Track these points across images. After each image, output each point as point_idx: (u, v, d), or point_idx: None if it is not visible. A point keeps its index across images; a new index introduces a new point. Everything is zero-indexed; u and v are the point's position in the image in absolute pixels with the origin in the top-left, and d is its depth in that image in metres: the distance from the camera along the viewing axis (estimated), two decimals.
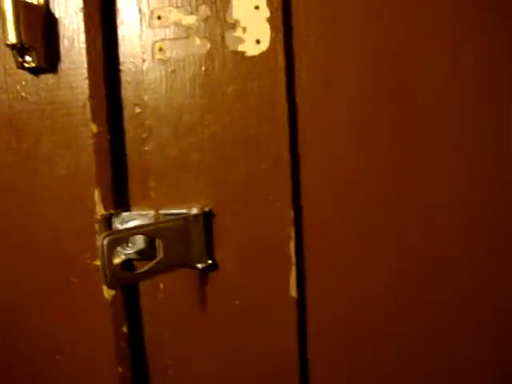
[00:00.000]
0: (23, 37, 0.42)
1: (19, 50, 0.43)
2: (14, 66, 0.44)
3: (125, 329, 0.46)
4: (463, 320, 0.40)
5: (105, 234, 0.36)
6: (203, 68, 0.42)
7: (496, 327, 0.40)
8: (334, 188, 0.42)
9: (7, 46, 0.42)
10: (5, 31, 0.41)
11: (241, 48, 0.41)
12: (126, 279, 0.40)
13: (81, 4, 0.43)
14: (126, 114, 0.45)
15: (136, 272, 0.40)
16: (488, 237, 0.39)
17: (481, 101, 0.38)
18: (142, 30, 0.43)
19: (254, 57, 0.41)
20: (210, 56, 0.42)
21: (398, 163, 0.40)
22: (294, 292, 0.43)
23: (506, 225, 0.38)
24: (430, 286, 0.41)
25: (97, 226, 0.44)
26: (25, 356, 0.50)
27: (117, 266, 0.40)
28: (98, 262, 0.45)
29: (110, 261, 0.37)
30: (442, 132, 0.39)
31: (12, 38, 0.41)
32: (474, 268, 0.39)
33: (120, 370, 0.46)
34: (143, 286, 0.46)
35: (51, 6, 0.43)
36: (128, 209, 0.46)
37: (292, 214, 0.42)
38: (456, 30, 0.38)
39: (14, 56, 0.43)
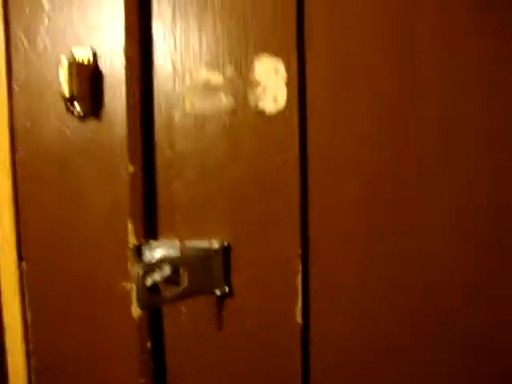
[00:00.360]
0: (74, 91, 0.49)
1: (70, 99, 0.50)
2: (64, 111, 0.51)
3: (149, 344, 0.53)
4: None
5: (139, 264, 0.43)
6: (227, 121, 0.49)
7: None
8: (338, 230, 0.48)
9: (61, 97, 0.49)
10: (60, 86, 0.49)
11: (260, 105, 0.48)
12: (155, 302, 0.46)
13: (123, 61, 0.50)
14: (158, 156, 0.52)
15: (163, 297, 0.46)
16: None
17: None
18: (175, 86, 0.50)
19: (271, 113, 0.48)
20: (233, 111, 0.49)
21: (397, 205, 0.46)
22: (299, 318, 0.49)
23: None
24: (425, 316, 0.47)
25: (129, 253, 0.51)
26: (57, 364, 0.56)
27: (147, 290, 0.47)
28: (128, 285, 0.52)
29: (142, 287, 0.44)
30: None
31: (66, 92, 0.49)
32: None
33: (143, 381, 0.53)
34: (167, 307, 0.53)
35: (98, 63, 0.51)
36: (156, 238, 0.53)
37: (300, 250, 0.48)
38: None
39: (65, 104, 0.51)
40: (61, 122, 0.52)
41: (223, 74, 0.49)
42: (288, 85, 0.47)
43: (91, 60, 0.50)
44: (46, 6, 0.52)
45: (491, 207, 0.45)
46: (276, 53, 0.48)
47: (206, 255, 0.48)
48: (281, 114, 0.47)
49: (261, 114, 0.48)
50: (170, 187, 0.51)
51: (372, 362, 0.50)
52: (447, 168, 0.46)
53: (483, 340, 0.46)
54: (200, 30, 0.49)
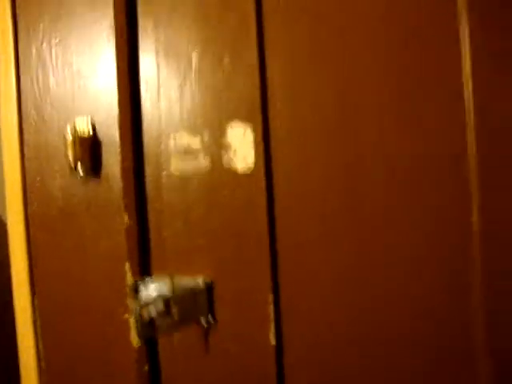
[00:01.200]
0: (77, 156, 0.60)
1: (74, 163, 0.61)
2: (68, 172, 0.62)
3: (146, 368, 0.63)
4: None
5: (138, 301, 0.54)
6: (205, 178, 0.60)
7: None
8: (304, 267, 0.59)
9: (66, 161, 0.60)
10: (65, 152, 0.59)
11: (233, 165, 0.59)
12: (151, 333, 0.57)
13: (117, 131, 0.61)
14: (150, 207, 0.62)
15: (158, 328, 0.57)
16: None
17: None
18: (161, 148, 0.61)
19: (242, 171, 0.59)
20: (210, 170, 0.59)
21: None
22: (273, 341, 0.60)
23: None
24: (395, 335, 0.57)
25: (127, 290, 0.62)
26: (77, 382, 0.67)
27: (145, 324, 0.57)
28: (128, 317, 0.62)
29: (140, 321, 0.54)
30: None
31: (70, 158, 0.60)
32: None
33: None
34: (161, 336, 0.63)
35: (96, 131, 0.62)
36: (150, 275, 0.63)
37: (271, 284, 0.59)
38: None
39: (69, 167, 0.62)
40: (66, 181, 0.62)
41: (201, 137, 0.60)
42: (255, 147, 0.58)
43: (91, 131, 0.61)
44: (52, 81, 0.63)
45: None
46: (244, 119, 0.58)
47: (193, 291, 0.59)
48: (250, 172, 0.58)
49: (233, 172, 0.59)
50: (161, 233, 0.62)
51: (342, 377, 0.60)
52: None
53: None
54: (181, 101, 0.60)
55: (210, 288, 0.59)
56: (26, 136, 0.63)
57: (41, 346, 0.67)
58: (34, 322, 0.68)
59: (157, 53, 0.61)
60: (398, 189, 0.53)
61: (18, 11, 0.66)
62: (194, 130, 0.59)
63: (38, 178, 0.64)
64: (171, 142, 0.60)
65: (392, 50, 0.52)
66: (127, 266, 0.61)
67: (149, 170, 0.61)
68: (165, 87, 0.60)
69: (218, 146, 0.58)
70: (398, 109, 0.53)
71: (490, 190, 0.49)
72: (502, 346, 0.49)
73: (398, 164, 0.53)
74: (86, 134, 0.60)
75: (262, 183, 0.57)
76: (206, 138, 0.59)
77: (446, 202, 0.50)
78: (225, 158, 0.58)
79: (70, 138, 0.59)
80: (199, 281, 0.59)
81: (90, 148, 0.60)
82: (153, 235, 0.62)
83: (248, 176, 0.57)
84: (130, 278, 0.61)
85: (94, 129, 0.61)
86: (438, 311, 0.51)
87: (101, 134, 0.61)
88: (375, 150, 0.54)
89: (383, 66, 0.54)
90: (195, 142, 0.59)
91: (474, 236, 0.49)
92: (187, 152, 0.59)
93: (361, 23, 0.53)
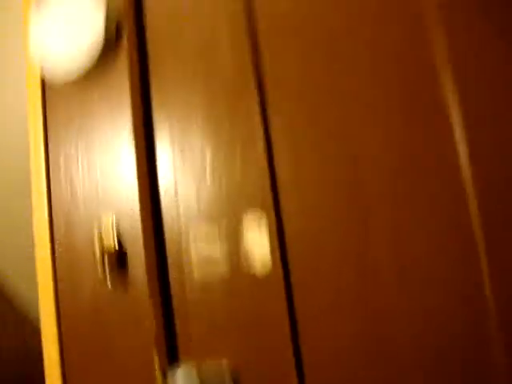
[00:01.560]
0: (106, 268, 0.65)
1: (102, 273, 0.66)
2: (97, 280, 0.66)
3: None
4: None
5: None
6: (227, 283, 0.63)
7: None
8: (328, 358, 0.60)
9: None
10: (94, 265, 0.64)
11: (252, 270, 0.63)
12: None
13: (143, 252, 0.66)
14: (175, 307, 0.66)
15: None
16: None
17: None
18: (182, 255, 0.66)
19: (261, 276, 0.62)
20: (232, 275, 0.63)
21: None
22: None
23: None
24: None
25: (157, 375, 0.64)
26: None
27: None
28: None
29: None
30: None
31: (99, 270, 0.64)
32: None
33: None
34: None
35: (123, 245, 0.66)
36: (177, 361, 0.66)
37: (295, 371, 0.61)
38: None
39: (101, 280, 0.66)
40: (99, 293, 0.67)
41: (218, 227, 0.64)
42: (272, 254, 0.62)
43: (117, 246, 0.65)
44: (79, 191, 0.69)
45: None
46: (258, 207, 0.63)
47: (219, 378, 0.62)
48: (267, 275, 0.62)
49: (253, 276, 0.62)
50: (186, 327, 0.65)
51: None
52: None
53: None
54: (198, 194, 0.65)
55: (234, 373, 0.62)
56: (56, 239, 0.68)
57: None
58: None
59: (173, 151, 0.67)
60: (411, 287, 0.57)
61: (48, 125, 0.73)
62: (211, 221, 0.64)
63: (70, 286, 0.68)
64: (191, 235, 0.64)
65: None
66: (155, 357, 0.64)
67: (173, 273, 0.66)
68: (181, 184, 0.65)
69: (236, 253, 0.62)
70: (411, 198, 0.58)
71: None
72: None
73: (408, 253, 0.57)
74: (112, 249, 0.65)
75: (281, 283, 0.60)
76: (224, 228, 0.63)
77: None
78: (243, 263, 0.62)
79: (98, 253, 0.64)
80: (225, 367, 0.61)
81: (117, 259, 0.65)
82: (179, 328, 0.65)
83: (266, 276, 0.61)
84: (158, 369, 0.63)
85: (119, 243, 0.65)
86: None
87: (125, 247, 0.66)
88: (388, 243, 0.59)
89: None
90: (216, 252, 0.63)
91: None
92: (208, 259, 0.63)
93: (366, 115, 0.59)
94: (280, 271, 0.59)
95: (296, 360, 0.59)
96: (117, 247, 0.65)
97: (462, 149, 0.53)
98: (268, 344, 0.60)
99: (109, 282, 0.63)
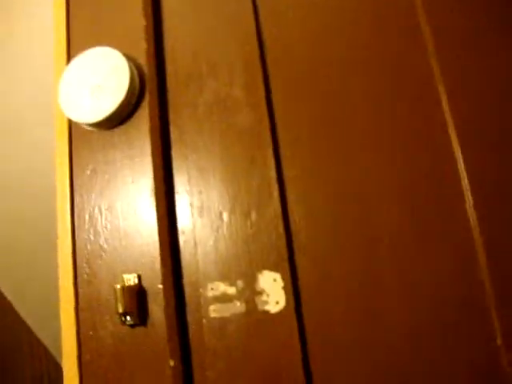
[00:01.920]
0: (126, 307, 0.68)
1: (123, 314, 0.69)
2: (118, 322, 0.70)
3: None
4: None
5: None
6: (243, 322, 0.67)
7: None
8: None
9: (116, 313, 0.68)
10: (116, 304, 0.68)
11: (266, 308, 0.66)
12: None
13: (160, 279, 0.70)
14: (193, 351, 0.69)
15: None
16: None
17: None
18: (201, 296, 0.69)
19: (275, 313, 0.66)
20: (246, 314, 0.67)
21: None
22: None
23: None
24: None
25: None
26: None
27: None
28: None
29: None
30: None
31: (120, 309, 0.68)
32: None
33: None
34: None
35: (142, 283, 0.70)
36: None
37: None
38: None
39: (119, 318, 0.70)
40: (117, 330, 0.70)
41: (236, 287, 0.68)
42: (285, 292, 0.66)
43: (137, 282, 0.70)
44: (102, 241, 0.73)
45: None
46: (273, 268, 0.67)
47: None
48: (282, 313, 0.65)
49: (267, 315, 0.66)
50: (205, 375, 0.68)
51: None
52: None
53: None
54: (215, 252, 0.69)
55: None
56: (79, 289, 0.72)
57: None
58: None
59: (191, 209, 0.71)
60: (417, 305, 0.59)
61: (74, 172, 0.78)
62: (228, 279, 0.68)
63: (91, 327, 0.72)
64: (209, 291, 0.68)
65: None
66: None
67: (190, 316, 0.69)
68: (200, 240, 0.69)
69: (251, 292, 0.66)
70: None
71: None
72: None
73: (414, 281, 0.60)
74: (132, 284, 0.69)
75: (294, 321, 0.64)
76: (240, 287, 0.67)
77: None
78: (258, 302, 0.66)
79: (119, 289, 0.67)
80: None
81: (137, 297, 0.69)
82: (196, 378, 0.68)
83: (281, 315, 0.64)
84: None
85: (139, 280, 0.69)
86: None
87: (146, 285, 0.70)
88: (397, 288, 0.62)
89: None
90: (231, 289, 0.67)
91: None
92: (224, 299, 0.67)
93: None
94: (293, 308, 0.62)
95: None
96: (137, 283, 0.68)
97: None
98: None
99: (129, 319, 0.67)
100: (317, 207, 0.68)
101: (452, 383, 0.59)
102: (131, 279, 0.70)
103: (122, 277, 0.70)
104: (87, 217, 0.73)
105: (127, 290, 0.68)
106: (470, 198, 0.61)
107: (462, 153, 0.62)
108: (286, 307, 0.65)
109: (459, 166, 0.62)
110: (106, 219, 0.72)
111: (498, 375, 0.57)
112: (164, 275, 0.69)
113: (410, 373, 0.61)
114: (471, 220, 0.60)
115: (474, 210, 0.60)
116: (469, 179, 0.61)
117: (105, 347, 0.71)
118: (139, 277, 0.70)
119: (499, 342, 0.57)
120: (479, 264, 0.59)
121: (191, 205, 0.71)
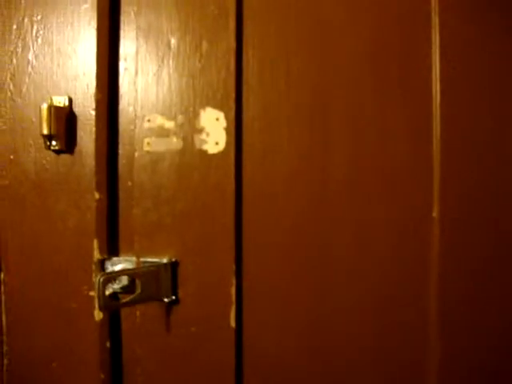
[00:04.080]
0: (52, 129, 0.64)
1: (48, 137, 0.65)
2: (43, 146, 0.66)
3: (108, 344, 0.66)
4: None
5: (100, 274, 0.58)
6: (177, 159, 0.64)
7: None
8: (268, 250, 0.63)
9: (41, 135, 0.64)
10: (40, 125, 0.63)
11: (204, 147, 0.63)
12: (113, 306, 0.61)
13: (94, 106, 0.65)
14: (121, 186, 0.66)
15: (120, 301, 0.61)
16: None
17: None
18: (135, 128, 0.65)
19: (213, 154, 0.63)
20: (182, 151, 0.64)
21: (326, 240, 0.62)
22: (233, 323, 0.64)
23: None
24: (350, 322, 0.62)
25: (93, 267, 0.65)
26: (28, 361, 0.70)
27: (107, 296, 0.61)
28: (92, 293, 0.66)
29: (103, 293, 0.58)
30: None
31: (45, 131, 0.63)
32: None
33: (102, 376, 0.66)
34: (124, 312, 0.67)
35: (73, 107, 0.65)
36: (117, 255, 0.67)
37: (234, 267, 0.63)
38: None
39: (44, 141, 0.65)
40: (40, 156, 0.66)
41: (175, 121, 0.64)
42: (227, 130, 0.62)
43: (67, 104, 0.65)
44: (31, 57, 0.67)
45: None
46: (217, 106, 0.63)
47: (158, 269, 0.63)
48: (220, 155, 0.63)
49: (204, 154, 0.63)
50: (130, 212, 0.66)
51: (301, 362, 0.65)
52: None
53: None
54: (157, 85, 0.64)
55: (174, 267, 0.63)
56: (1, 108, 0.67)
57: (4, 322, 0.70)
58: None
59: (137, 36, 0.65)
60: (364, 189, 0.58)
61: None
62: (168, 114, 0.63)
63: (12, 151, 0.67)
64: (145, 124, 0.64)
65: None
66: (95, 242, 0.64)
67: (122, 147, 0.65)
68: (142, 71, 0.64)
69: (191, 129, 0.62)
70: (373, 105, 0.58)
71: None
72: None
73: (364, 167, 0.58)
74: (62, 107, 0.64)
75: (232, 166, 0.61)
76: (180, 121, 0.63)
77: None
78: (197, 140, 0.62)
79: (45, 109, 0.62)
80: (164, 260, 0.62)
81: (66, 121, 0.64)
82: (122, 214, 0.66)
83: (218, 158, 0.61)
84: (96, 255, 0.64)
85: (70, 102, 0.64)
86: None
87: (77, 110, 0.65)
88: (344, 135, 0.59)
89: (360, 66, 0.59)
90: (169, 123, 0.63)
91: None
92: (160, 133, 0.63)
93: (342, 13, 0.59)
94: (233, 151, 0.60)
95: (237, 259, 0.61)
96: (67, 105, 0.63)
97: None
98: (210, 232, 0.61)
99: (55, 144, 0.63)
100: (274, 50, 0.63)
101: None
102: (61, 102, 0.64)
103: (51, 98, 0.64)
104: (14, 27, 0.65)
105: (55, 111, 0.63)
106: None
107: None
108: (225, 149, 0.62)
109: None
110: (37, 32, 0.65)
111: None
112: (98, 101, 0.64)
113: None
114: None
115: None
116: None
117: (26, 173, 0.66)
118: (70, 100, 0.65)
119: None
120: None
121: (138, 27, 0.64)
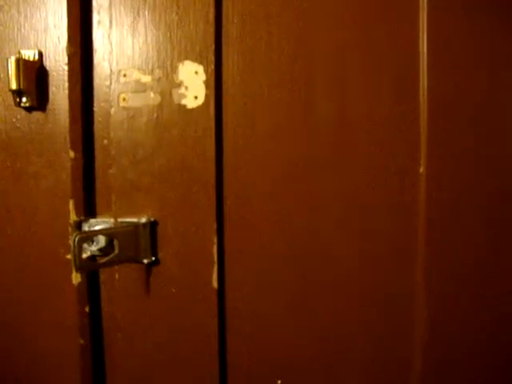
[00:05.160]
0: (21, 84, 0.61)
1: (18, 93, 0.62)
2: (12, 103, 0.63)
3: (87, 309, 0.65)
4: None
5: (76, 233, 0.56)
6: (155, 115, 0.62)
7: None
8: (249, 208, 0.62)
9: (10, 90, 0.61)
10: (8, 80, 0.60)
11: (183, 102, 0.61)
12: (90, 266, 0.59)
13: (66, 60, 0.62)
14: (97, 144, 0.64)
15: (97, 262, 0.59)
16: None
17: None
18: (111, 83, 0.63)
19: (192, 109, 0.61)
20: (160, 106, 0.62)
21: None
22: (215, 284, 0.63)
23: None
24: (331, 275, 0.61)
25: (70, 229, 0.64)
26: (6, 327, 0.68)
27: (83, 257, 0.59)
28: (69, 256, 0.64)
29: (79, 252, 0.56)
30: None
31: (13, 85, 0.61)
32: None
33: (81, 341, 0.65)
34: (103, 276, 0.65)
35: (44, 61, 0.63)
36: (94, 216, 0.65)
37: (215, 225, 0.62)
38: None
39: (13, 97, 0.63)
40: (10, 114, 0.63)
41: (152, 75, 0.62)
42: (206, 84, 0.60)
43: (37, 58, 0.62)
44: None
45: None
46: (196, 59, 0.61)
47: (136, 229, 0.61)
48: (200, 109, 0.61)
49: (183, 109, 0.61)
50: (107, 172, 0.64)
51: (283, 321, 0.64)
52: None
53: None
54: (133, 38, 0.62)
55: (153, 227, 0.61)
56: None
57: None
58: None
59: None
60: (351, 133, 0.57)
61: None
62: (145, 68, 0.61)
63: None
64: (121, 78, 0.61)
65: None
66: (71, 204, 0.62)
67: (97, 104, 0.63)
68: (117, 23, 0.61)
69: (169, 83, 0.60)
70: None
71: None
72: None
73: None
74: (31, 60, 0.61)
75: (212, 120, 0.59)
76: (157, 75, 0.61)
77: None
78: (175, 95, 0.60)
79: (13, 62, 0.60)
80: (143, 219, 0.61)
81: (36, 75, 0.61)
82: (98, 173, 0.64)
83: (197, 112, 0.60)
84: (73, 216, 0.62)
85: (40, 55, 0.62)
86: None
87: (48, 65, 0.62)
88: (328, 87, 0.58)
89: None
90: (145, 78, 0.61)
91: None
92: (137, 88, 0.61)
93: None
94: (212, 105, 0.58)
95: (218, 217, 0.59)
96: (37, 59, 0.61)
97: None
98: (190, 190, 0.60)
99: (25, 101, 0.60)
100: (255, 1, 0.61)
101: None
102: (31, 56, 0.62)
103: (19, 52, 0.62)
104: None
105: (24, 64, 0.60)
106: None
107: None
108: (204, 103, 0.60)
109: None
110: None
111: None
112: (70, 55, 0.61)
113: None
114: None
115: None
116: None
117: None
118: (40, 54, 0.62)
119: None
120: None
121: None
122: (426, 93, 0.58)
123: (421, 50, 0.58)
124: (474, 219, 0.59)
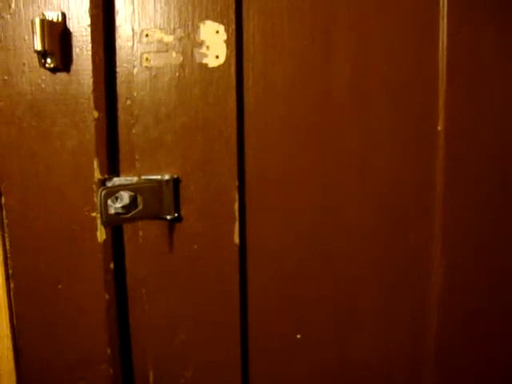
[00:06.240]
0: (46, 45, 0.63)
1: (42, 54, 0.64)
2: (37, 65, 0.65)
3: (112, 265, 0.68)
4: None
5: (102, 188, 0.58)
6: (177, 74, 0.63)
7: None
8: (270, 165, 0.64)
9: (35, 51, 0.63)
10: (34, 41, 0.62)
11: (204, 61, 0.63)
12: (116, 221, 0.61)
13: (88, 21, 0.64)
14: (120, 104, 0.66)
15: (122, 217, 0.61)
16: None
17: None
18: (133, 44, 0.65)
19: (213, 68, 0.63)
20: (182, 66, 0.63)
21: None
22: (237, 239, 0.65)
23: None
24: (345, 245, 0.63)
25: (94, 187, 0.66)
26: (34, 284, 0.71)
27: (109, 214, 0.62)
28: (94, 214, 0.66)
29: (105, 206, 0.58)
30: None
31: (38, 46, 0.62)
32: None
33: (107, 297, 0.68)
34: (127, 233, 0.68)
35: (67, 23, 0.64)
36: (118, 175, 0.67)
37: (237, 182, 0.64)
38: None
39: (38, 58, 0.64)
40: (35, 75, 0.65)
41: (174, 35, 0.63)
42: (227, 43, 0.62)
43: (60, 20, 0.64)
44: None
45: None
46: (217, 19, 0.62)
47: (159, 186, 0.63)
48: (221, 68, 0.62)
49: (205, 68, 0.63)
50: (130, 131, 0.66)
51: (303, 278, 0.66)
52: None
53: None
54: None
55: (176, 184, 0.64)
56: None
57: (8, 246, 0.71)
58: (1, 221, 0.71)
59: None
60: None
61: None
62: (167, 28, 0.63)
63: (6, 72, 0.66)
64: (144, 39, 0.63)
65: None
66: (95, 162, 0.64)
67: (120, 64, 0.65)
68: None
69: (190, 42, 0.62)
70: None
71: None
72: None
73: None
74: (55, 21, 0.63)
75: (233, 79, 0.61)
76: (179, 35, 0.62)
77: None
78: (197, 54, 0.62)
79: (38, 23, 0.61)
80: (166, 176, 0.63)
81: (60, 37, 0.63)
82: (121, 133, 0.66)
83: (219, 71, 0.61)
84: (97, 175, 0.64)
85: (64, 17, 0.63)
86: None
87: (71, 27, 0.64)
88: (347, 43, 0.59)
89: None
90: (167, 37, 0.62)
91: None
92: (159, 48, 0.63)
93: None
94: (233, 64, 0.59)
95: (239, 174, 0.61)
96: (61, 21, 0.62)
97: None
98: (212, 148, 0.62)
99: (49, 62, 0.62)
100: None
101: None
102: (54, 17, 0.63)
103: (43, 13, 0.63)
104: None
105: (48, 25, 0.62)
106: None
107: None
108: (225, 62, 0.62)
109: None
110: None
111: None
112: (93, 17, 0.63)
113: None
114: None
115: None
116: None
117: (21, 94, 0.66)
118: (64, 15, 0.63)
119: None
120: None
121: None
122: (445, 47, 0.59)
123: (441, 5, 0.58)
124: (489, 173, 0.60)
